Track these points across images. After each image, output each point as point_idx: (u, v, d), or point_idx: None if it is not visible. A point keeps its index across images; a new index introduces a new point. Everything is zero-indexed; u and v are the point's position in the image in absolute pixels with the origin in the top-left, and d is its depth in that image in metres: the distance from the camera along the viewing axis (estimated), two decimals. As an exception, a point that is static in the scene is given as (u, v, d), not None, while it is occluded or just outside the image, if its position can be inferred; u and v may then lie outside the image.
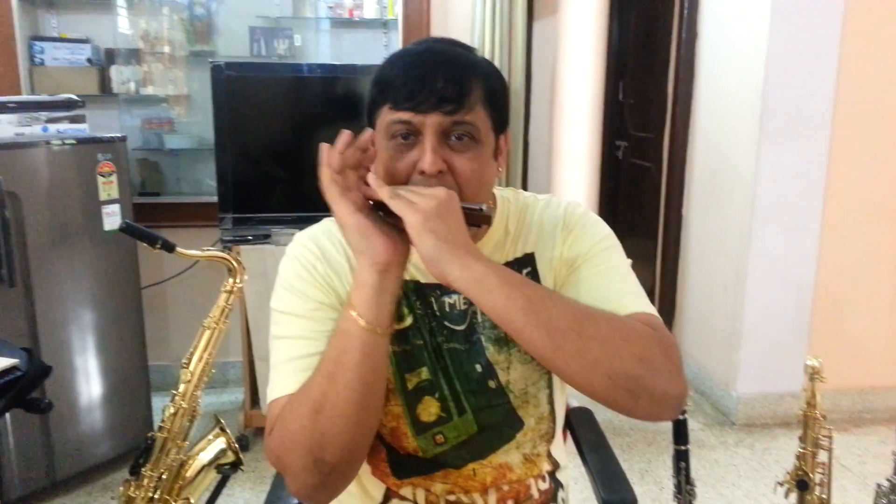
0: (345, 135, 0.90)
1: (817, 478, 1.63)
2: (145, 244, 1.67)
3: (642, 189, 3.84)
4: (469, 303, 1.06)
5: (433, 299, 1.05)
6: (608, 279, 1.03)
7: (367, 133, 0.94)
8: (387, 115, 0.95)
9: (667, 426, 2.81)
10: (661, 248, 3.60)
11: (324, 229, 1.08)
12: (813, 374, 1.57)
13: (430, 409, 1.05)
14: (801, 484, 1.62)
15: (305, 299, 1.00)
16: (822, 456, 1.63)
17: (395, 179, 0.94)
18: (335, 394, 0.87)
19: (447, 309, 1.05)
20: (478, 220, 0.94)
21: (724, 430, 2.95)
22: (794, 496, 1.66)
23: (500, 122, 1.02)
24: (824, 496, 1.64)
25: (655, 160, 3.64)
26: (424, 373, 1.04)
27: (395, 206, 0.87)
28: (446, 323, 1.05)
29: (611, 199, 4.14)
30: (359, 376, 0.88)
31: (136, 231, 1.67)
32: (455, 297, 1.06)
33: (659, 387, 0.88)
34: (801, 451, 1.63)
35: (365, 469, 1.11)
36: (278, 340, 1.00)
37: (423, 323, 1.05)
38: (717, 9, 3.10)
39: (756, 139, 2.80)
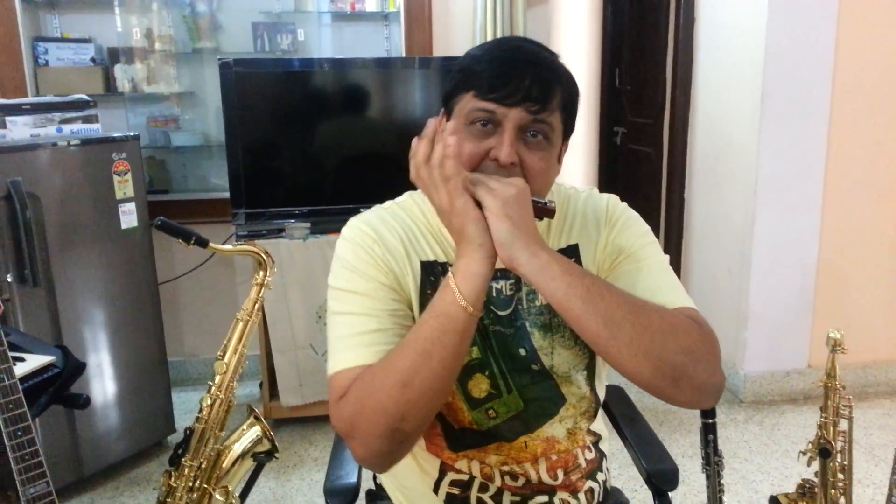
0: (435, 124, 0.96)
1: (838, 445, 1.69)
2: (180, 240, 1.70)
3: (642, 174, 3.89)
4: (514, 289, 1.12)
5: None
6: (653, 274, 1.09)
7: (433, 124, 0.97)
8: (470, 102, 1.00)
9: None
10: (664, 233, 3.65)
11: (377, 215, 1.13)
12: (835, 346, 1.63)
13: (480, 386, 1.11)
14: (824, 452, 1.68)
15: (367, 278, 1.05)
16: (842, 425, 1.70)
17: (466, 161, 0.99)
18: (429, 370, 0.92)
19: (494, 294, 1.11)
20: (543, 212, 0.99)
21: (734, 408, 3.02)
22: (815, 464, 1.72)
23: (569, 129, 1.08)
24: (845, 463, 1.71)
25: (655, 145, 3.69)
26: (475, 352, 1.09)
27: (476, 191, 0.93)
28: (492, 307, 1.11)
29: (610, 185, 4.18)
30: (455, 356, 0.94)
31: (172, 228, 1.69)
32: (502, 283, 1.11)
33: (700, 377, 0.95)
34: (823, 420, 1.69)
35: (419, 444, 1.15)
36: (340, 316, 1.04)
37: None
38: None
39: (757, 120, 2.85)
